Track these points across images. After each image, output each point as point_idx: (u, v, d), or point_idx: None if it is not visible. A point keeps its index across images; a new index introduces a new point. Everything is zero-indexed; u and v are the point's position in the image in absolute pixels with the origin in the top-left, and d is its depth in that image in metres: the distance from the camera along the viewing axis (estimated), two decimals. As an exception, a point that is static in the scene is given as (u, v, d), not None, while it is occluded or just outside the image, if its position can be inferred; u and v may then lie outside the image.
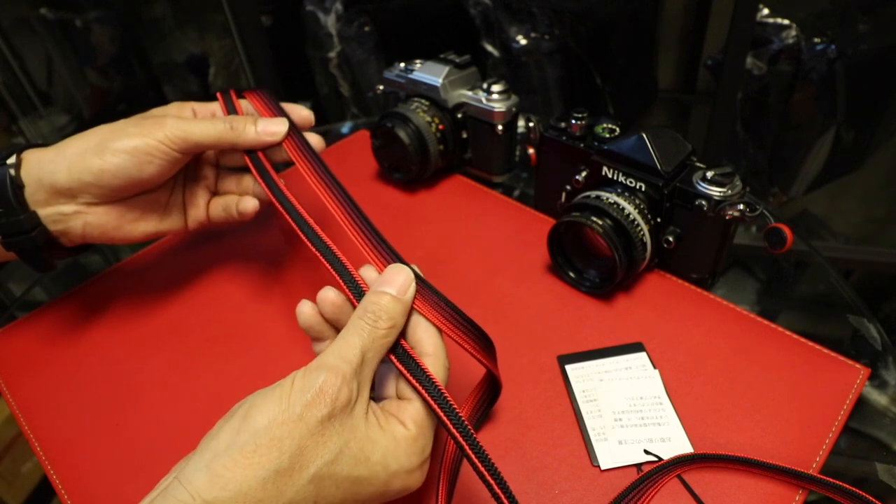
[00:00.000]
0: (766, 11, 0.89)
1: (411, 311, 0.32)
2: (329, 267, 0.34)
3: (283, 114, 0.43)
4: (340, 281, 0.33)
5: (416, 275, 0.33)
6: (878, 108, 0.94)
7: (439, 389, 0.29)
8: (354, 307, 0.31)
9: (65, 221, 0.38)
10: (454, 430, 0.28)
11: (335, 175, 0.40)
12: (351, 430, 0.27)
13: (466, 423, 0.28)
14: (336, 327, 0.33)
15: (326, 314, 0.32)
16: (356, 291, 0.32)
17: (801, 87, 0.91)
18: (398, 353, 0.30)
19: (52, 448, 0.38)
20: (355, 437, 0.27)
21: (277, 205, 0.38)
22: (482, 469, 0.27)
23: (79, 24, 1.09)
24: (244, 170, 0.45)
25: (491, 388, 0.36)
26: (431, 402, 0.29)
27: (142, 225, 0.41)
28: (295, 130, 0.42)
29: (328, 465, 0.26)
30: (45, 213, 0.38)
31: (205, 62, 1.22)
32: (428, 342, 0.31)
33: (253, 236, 0.54)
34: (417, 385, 0.29)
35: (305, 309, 0.32)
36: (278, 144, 0.41)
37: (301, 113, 0.44)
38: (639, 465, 0.35)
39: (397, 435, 0.28)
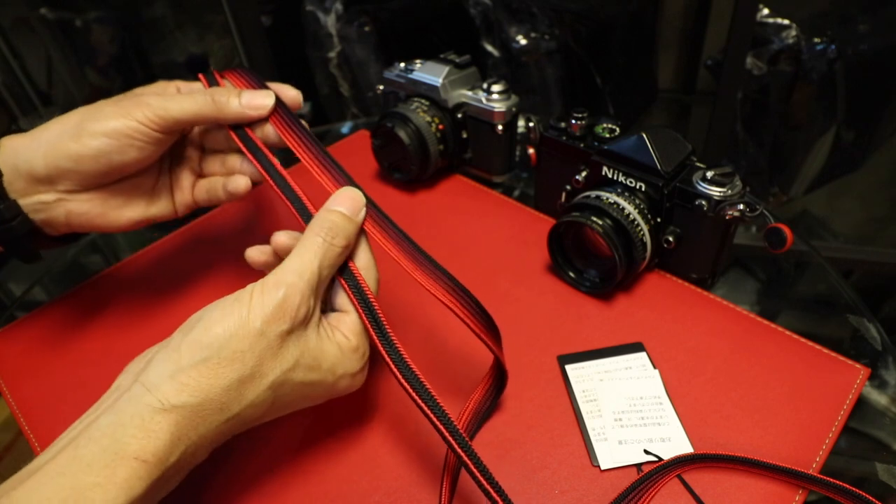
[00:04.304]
0: (766, 11, 0.89)
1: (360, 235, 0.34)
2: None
3: (267, 89, 0.41)
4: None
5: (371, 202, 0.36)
6: (878, 108, 0.94)
7: (371, 302, 0.32)
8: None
9: (47, 210, 0.37)
10: (384, 351, 0.31)
11: (332, 155, 0.38)
12: (305, 342, 0.30)
13: (390, 332, 0.31)
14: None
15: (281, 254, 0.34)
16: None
17: (801, 87, 0.91)
18: (345, 276, 0.33)
19: (52, 448, 0.38)
20: (309, 348, 0.30)
21: (271, 182, 0.37)
22: (409, 388, 0.30)
23: (79, 24, 1.09)
24: (228, 150, 0.42)
25: (498, 377, 0.37)
26: (365, 318, 0.32)
27: (128, 211, 0.40)
28: (283, 107, 0.40)
29: (285, 372, 0.29)
30: (26, 202, 0.36)
31: (205, 62, 1.22)
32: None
33: (256, 235, 0.53)
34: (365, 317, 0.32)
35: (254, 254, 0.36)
36: (265, 119, 0.39)
37: (288, 93, 0.41)
38: (639, 465, 0.35)
39: (343, 346, 0.31)
